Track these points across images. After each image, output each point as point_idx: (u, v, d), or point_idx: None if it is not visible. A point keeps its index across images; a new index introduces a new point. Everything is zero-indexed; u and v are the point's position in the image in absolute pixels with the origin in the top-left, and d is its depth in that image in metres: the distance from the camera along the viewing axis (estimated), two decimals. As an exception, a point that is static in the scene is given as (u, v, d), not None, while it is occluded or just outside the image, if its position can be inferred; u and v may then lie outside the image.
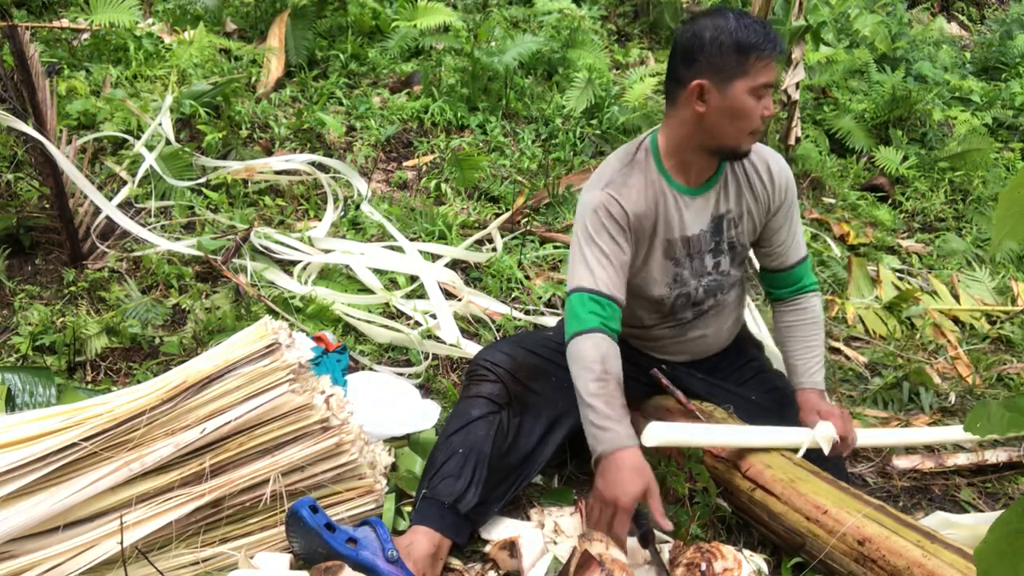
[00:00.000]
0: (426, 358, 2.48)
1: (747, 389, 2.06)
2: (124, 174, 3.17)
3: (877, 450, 2.30)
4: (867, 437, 2.07)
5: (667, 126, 1.84)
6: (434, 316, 2.67)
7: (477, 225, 3.34)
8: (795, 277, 2.01)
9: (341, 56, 4.40)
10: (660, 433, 1.75)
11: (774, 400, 2.03)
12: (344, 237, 3.09)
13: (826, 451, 1.82)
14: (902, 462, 2.23)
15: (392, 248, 3.00)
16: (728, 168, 1.89)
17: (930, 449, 2.34)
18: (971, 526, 1.81)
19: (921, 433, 2.26)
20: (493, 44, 4.44)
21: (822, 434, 1.82)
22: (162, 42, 4.10)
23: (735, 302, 2.07)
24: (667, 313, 1.97)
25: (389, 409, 2.12)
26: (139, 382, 1.91)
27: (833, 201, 4.02)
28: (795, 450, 1.83)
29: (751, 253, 2.07)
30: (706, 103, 1.73)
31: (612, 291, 1.78)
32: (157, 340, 2.44)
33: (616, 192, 1.80)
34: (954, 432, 2.22)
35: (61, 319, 2.47)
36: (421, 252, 2.98)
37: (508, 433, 1.84)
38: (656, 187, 1.83)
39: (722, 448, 1.85)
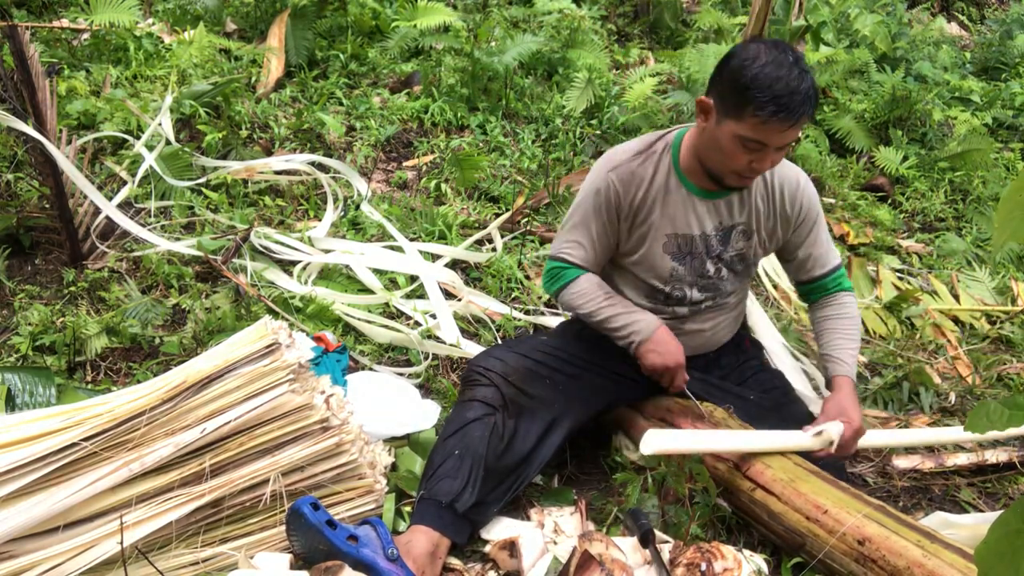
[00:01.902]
0: (426, 358, 2.48)
1: (746, 388, 2.06)
2: (124, 174, 3.17)
3: (877, 450, 2.30)
4: (876, 438, 2.06)
5: (694, 127, 1.85)
6: (434, 316, 2.67)
7: (477, 225, 3.34)
8: (827, 285, 2.04)
9: (341, 56, 4.40)
10: (658, 441, 1.76)
11: (773, 400, 2.03)
12: (344, 237, 3.09)
13: (817, 447, 1.80)
14: (902, 462, 2.23)
15: (392, 248, 3.00)
16: None
17: (930, 449, 2.34)
18: (971, 526, 1.81)
19: (924, 434, 2.25)
20: (493, 44, 4.44)
21: (827, 434, 1.80)
22: (162, 42, 4.10)
23: (735, 301, 2.07)
24: (663, 303, 1.98)
25: (389, 409, 2.12)
26: (139, 382, 1.91)
27: (833, 201, 4.02)
28: (798, 453, 1.83)
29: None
30: (705, 121, 1.76)
31: (593, 267, 1.95)
32: (157, 340, 2.44)
33: (618, 178, 1.86)
34: (956, 432, 2.22)
35: (61, 319, 2.47)
36: (421, 252, 2.98)
37: (504, 435, 1.84)
38: (665, 181, 1.87)
39: (724, 453, 1.85)
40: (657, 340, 1.88)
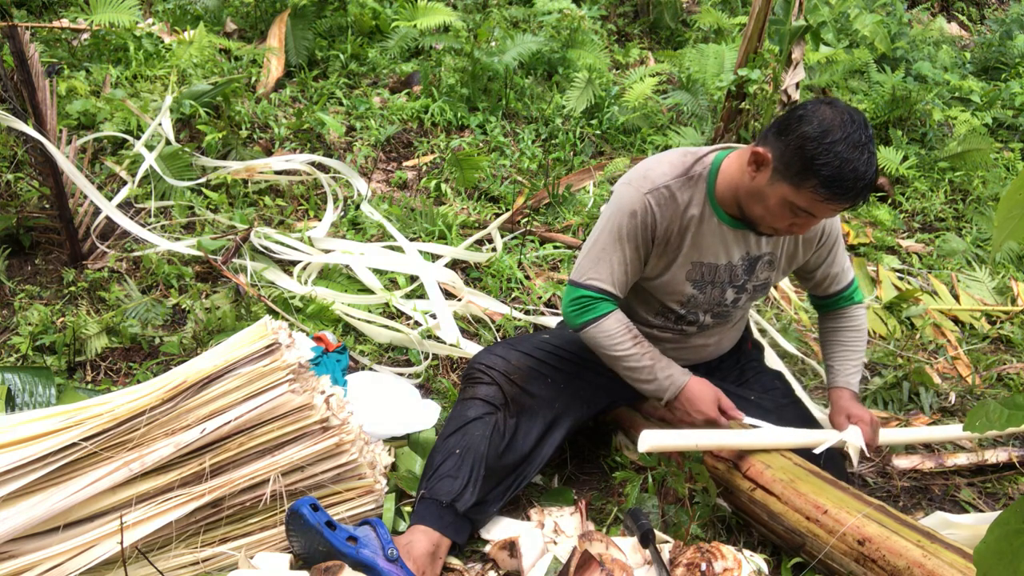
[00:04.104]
0: (426, 358, 2.48)
1: (746, 389, 2.06)
2: (124, 174, 3.17)
3: (877, 450, 2.30)
4: (889, 436, 2.07)
5: (736, 158, 1.78)
6: (434, 316, 2.67)
7: (477, 225, 3.34)
8: (839, 302, 2.05)
9: (341, 56, 4.40)
10: (654, 439, 1.77)
11: (772, 400, 2.03)
12: (344, 237, 3.10)
13: (854, 461, 1.82)
14: (902, 462, 2.23)
15: (392, 248, 3.01)
16: None
17: (930, 449, 2.34)
18: (971, 526, 1.81)
19: (926, 432, 2.25)
20: (493, 44, 4.44)
21: (852, 443, 1.82)
22: (162, 42, 4.11)
23: (741, 315, 2.08)
24: (673, 322, 1.99)
25: (389, 409, 2.12)
26: (139, 382, 1.91)
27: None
28: (793, 450, 1.83)
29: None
30: (756, 172, 1.69)
31: (622, 292, 1.87)
32: (157, 340, 2.44)
33: (656, 202, 1.78)
34: (958, 430, 2.21)
35: (61, 319, 2.47)
36: (421, 252, 2.98)
37: (505, 434, 1.84)
38: (698, 209, 1.80)
39: (719, 449, 1.86)
40: (684, 399, 1.85)
